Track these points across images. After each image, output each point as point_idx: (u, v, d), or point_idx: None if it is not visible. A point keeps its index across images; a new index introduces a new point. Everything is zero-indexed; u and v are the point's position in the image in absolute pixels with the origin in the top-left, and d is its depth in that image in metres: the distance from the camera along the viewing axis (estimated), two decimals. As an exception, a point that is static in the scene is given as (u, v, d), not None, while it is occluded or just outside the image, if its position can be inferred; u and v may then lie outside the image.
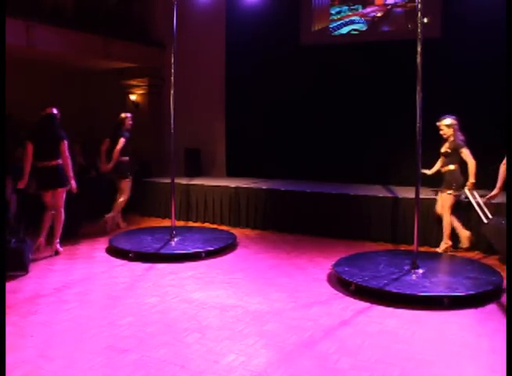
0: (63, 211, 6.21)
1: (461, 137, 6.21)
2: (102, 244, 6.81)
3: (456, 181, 6.21)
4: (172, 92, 6.49)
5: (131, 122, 7.77)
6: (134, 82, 10.92)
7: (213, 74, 9.87)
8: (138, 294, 4.84)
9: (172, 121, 6.51)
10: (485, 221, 5.85)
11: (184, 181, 8.83)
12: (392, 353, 3.54)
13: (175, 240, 6.56)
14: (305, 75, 8.87)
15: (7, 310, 4.25)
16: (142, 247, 6.31)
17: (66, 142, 6.06)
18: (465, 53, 7.62)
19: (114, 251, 6.35)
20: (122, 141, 7.52)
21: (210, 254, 6.15)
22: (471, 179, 6.06)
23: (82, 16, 9.03)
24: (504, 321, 3.81)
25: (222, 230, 7.56)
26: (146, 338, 3.78)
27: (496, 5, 7.09)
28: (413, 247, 5.18)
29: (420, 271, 5.06)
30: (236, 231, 7.50)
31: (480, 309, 4.38)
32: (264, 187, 7.91)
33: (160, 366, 3.33)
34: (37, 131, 6.14)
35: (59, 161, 6.07)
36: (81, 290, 4.93)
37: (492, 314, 4.29)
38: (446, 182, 6.29)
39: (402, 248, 6.37)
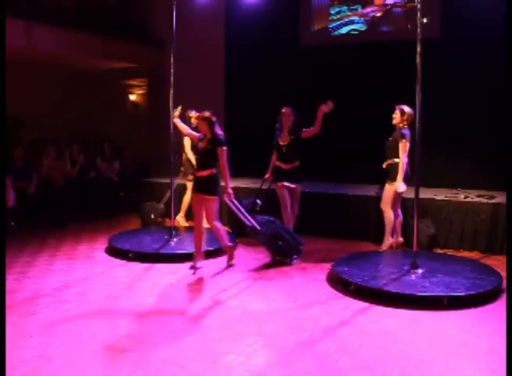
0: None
1: (407, 132, 5.94)
2: (102, 244, 6.81)
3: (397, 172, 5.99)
4: (172, 92, 6.49)
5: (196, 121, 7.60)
6: (133, 82, 10.94)
7: (212, 74, 9.88)
8: (137, 294, 4.84)
9: (172, 121, 6.50)
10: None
11: (183, 181, 8.81)
12: (392, 353, 3.54)
13: (175, 240, 6.54)
14: (305, 75, 8.87)
15: (6, 310, 4.25)
16: (141, 247, 6.30)
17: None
18: (464, 53, 7.63)
19: (114, 251, 6.34)
20: (186, 140, 7.49)
21: (209, 255, 6.14)
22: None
23: (82, 16, 9.05)
24: (504, 321, 3.80)
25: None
26: (145, 338, 3.78)
27: (496, 5, 7.10)
28: (413, 247, 5.18)
29: (420, 271, 5.06)
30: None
31: (479, 309, 4.38)
32: (263, 187, 7.89)
33: (160, 367, 3.33)
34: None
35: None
36: (81, 290, 4.92)
37: (491, 314, 4.29)
38: (391, 177, 6.06)
39: (402, 248, 6.36)
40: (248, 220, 5.74)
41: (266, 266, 5.81)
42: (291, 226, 6.32)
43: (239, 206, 5.75)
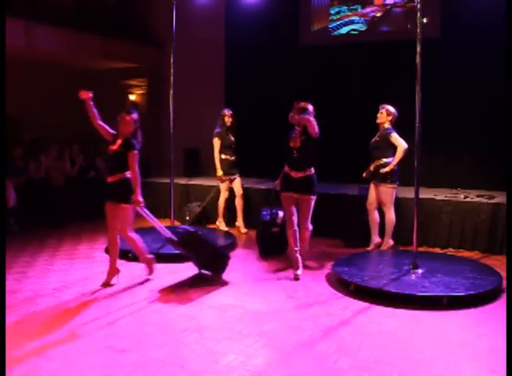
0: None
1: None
2: (102, 244, 6.80)
3: (391, 172, 6.05)
4: (172, 92, 6.50)
5: (231, 119, 7.34)
6: (133, 82, 10.93)
7: (212, 74, 9.88)
8: (137, 294, 4.84)
9: (172, 121, 6.52)
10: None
11: (183, 181, 8.82)
12: (391, 353, 3.54)
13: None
14: (305, 75, 8.87)
15: (6, 310, 4.25)
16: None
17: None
18: (464, 53, 7.63)
19: (114, 251, 6.33)
20: (215, 141, 7.28)
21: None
22: None
23: (81, 16, 9.05)
24: (504, 321, 3.80)
25: (222, 230, 7.55)
26: (145, 338, 3.78)
27: (496, 5, 7.10)
28: (413, 247, 5.18)
29: (420, 271, 5.06)
30: (235, 231, 7.50)
31: (479, 309, 4.38)
32: (263, 187, 7.90)
33: (159, 367, 3.33)
34: None
35: None
36: (81, 290, 4.92)
37: (491, 314, 4.29)
38: (381, 177, 6.09)
39: (401, 248, 6.37)
40: (163, 230, 5.23)
41: (265, 266, 5.81)
42: (297, 248, 5.39)
43: (151, 215, 5.21)
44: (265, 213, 6.29)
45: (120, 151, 5.00)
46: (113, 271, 5.13)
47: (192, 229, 5.45)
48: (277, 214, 6.18)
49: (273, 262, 5.90)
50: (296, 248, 5.38)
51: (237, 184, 7.51)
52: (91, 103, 5.07)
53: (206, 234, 5.59)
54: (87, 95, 5.10)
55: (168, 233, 5.21)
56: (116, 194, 4.99)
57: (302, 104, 5.30)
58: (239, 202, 7.53)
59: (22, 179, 7.95)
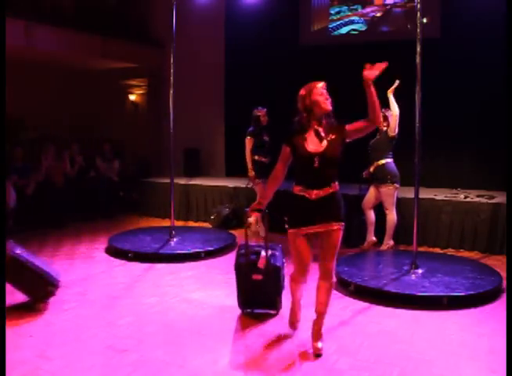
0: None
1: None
2: (102, 244, 6.81)
3: (391, 173, 6.05)
4: (171, 92, 6.48)
5: (266, 118, 6.94)
6: (133, 82, 10.93)
7: (212, 74, 9.88)
8: (137, 294, 4.84)
9: (171, 121, 6.50)
10: None
11: (183, 181, 8.83)
12: (391, 353, 3.53)
13: (175, 240, 6.55)
14: (305, 75, 8.76)
15: (6, 310, 4.25)
16: (141, 247, 6.30)
17: None
18: (464, 53, 7.62)
19: (113, 251, 6.34)
20: (248, 140, 6.87)
21: (209, 255, 6.15)
22: None
23: (81, 16, 9.04)
24: (504, 321, 3.80)
25: (222, 230, 7.55)
26: (145, 338, 3.78)
27: (496, 5, 7.09)
28: (413, 247, 5.18)
29: (420, 271, 5.06)
30: (235, 231, 7.50)
31: (479, 309, 4.38)
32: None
33: (160, 367, 3.33)
34: None
35: None
36: (80, 290, 4.92)
37: (491, 314, 4.28)
38: (382, 178, 6.07)
39: (401, 248, 6.37)
40: None
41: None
42: (298, 311, 3.98)
43: None
44: (241, 251, 4.36)
45: None
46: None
47: (16, 252, 4.39)
48: (257, 254, 4.24)
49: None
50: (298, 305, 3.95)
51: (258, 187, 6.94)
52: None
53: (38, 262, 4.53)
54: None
55: None
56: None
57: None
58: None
59: (26, 180, 7.95)
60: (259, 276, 4.20)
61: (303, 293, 3.92)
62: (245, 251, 4.26)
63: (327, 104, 3.46)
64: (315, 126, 3.48)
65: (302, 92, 3.51)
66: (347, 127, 3.58)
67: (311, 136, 3.47)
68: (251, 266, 4.18)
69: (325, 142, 3.46)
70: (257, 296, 4.28)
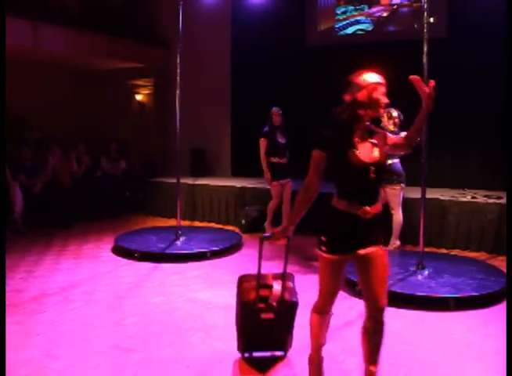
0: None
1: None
2: (108, 243, 6.83)
3: (397, 173, 5.98)
4: (178, 92, 6.49)
5: (279, 118, 6.83)
6: (140, 82, 10.96)
7: (218, 74, 9.89)
8: (143, 293, 4.85)
9: (178, 121, 6.51)
10: None
11: (189, 181, 8.84)
12: (397, 354, 3.53)
13: (181, 239, 6.56)
14: (311, 75, 8.86)
15: (13, 309, 4.28)
16: (147, 246, 6.32)
17: None
18: (472, 53, 7.59)
19: (120, 251, 6.36)
20: (261, 141, 6.79)
21: (215, 254, 6.16)
22: None
23: (88, 16, 9.08)
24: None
25: (228, 230, 7.56)
26: (151, 338, 3.79)
27: (503, 5, 7.06)
28: (419, 248, 5.16)
29: (426, 272, 5.05)
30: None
31: (486, 310, 4.37)
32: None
33: (165, 366, 3.34)
34: None
35: None
36: (87, 289, 4.94)
37: (497, 315, 4.26)
38: (387, 178, 5.89)
39: (408, 249, 6.35)
40: None
41: (271, 266, 5.80)
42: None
43: None
44: (246, 284, 3.48)
45: None
46: None
47: None
48: (269, 287, 3.36)
49: (278, 262, 5.89)
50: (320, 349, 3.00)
51: (287, 189, 6.88)
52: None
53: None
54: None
55: None
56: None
57: None
58: (285, 208, 6.89)
59: (34, 180, 7.98)
60: (270, 315, 3.31)
61: (326, 334, 2.97)
62: (256, 284, 3.30)
63: (383, 108, 2.93)
64: (363, 129, 2.82)
65: (362, 82, 2.99)
66: (389, 139, 2.93)
67: (360, 141, 2.77)
68: (261, 303, 3.28)
69: (376, 150, 2.78)
70: (264, 337, 3.47)
